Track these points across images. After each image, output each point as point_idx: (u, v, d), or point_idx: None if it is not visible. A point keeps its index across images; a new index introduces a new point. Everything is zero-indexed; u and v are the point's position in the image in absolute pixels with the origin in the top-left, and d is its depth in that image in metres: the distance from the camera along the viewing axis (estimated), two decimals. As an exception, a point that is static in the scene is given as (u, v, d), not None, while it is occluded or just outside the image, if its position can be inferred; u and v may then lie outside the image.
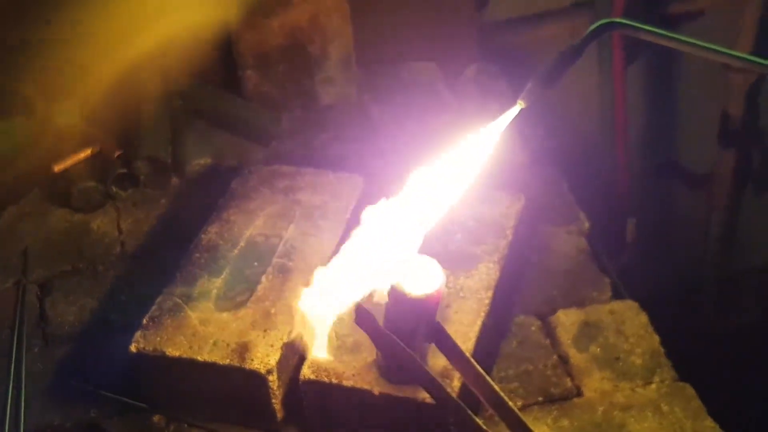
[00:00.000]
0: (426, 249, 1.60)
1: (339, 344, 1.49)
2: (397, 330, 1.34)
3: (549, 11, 2.58)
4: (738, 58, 1.37)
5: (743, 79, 2.61)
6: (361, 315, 1.34)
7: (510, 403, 1.34)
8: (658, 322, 1.69)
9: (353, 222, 1.71)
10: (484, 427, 1.33)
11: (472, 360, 1.36)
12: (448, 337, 1.37)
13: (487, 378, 1.34)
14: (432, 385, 1.34)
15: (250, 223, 1.72)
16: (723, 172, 2.79)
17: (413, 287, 1.32)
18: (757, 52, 2.56)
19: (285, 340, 1.51)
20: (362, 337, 1.48)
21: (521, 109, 1.36)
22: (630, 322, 1.66)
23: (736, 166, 2.79)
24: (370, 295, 1.36)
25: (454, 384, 1.43)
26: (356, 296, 1.35)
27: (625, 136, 2.52)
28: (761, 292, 3.19)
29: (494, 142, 1.36)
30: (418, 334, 1.37)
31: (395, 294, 1.33)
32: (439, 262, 1.59)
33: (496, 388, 1.34)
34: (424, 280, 1.33)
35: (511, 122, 1.37)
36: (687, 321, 3.07)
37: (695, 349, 1.89)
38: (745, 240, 3.08)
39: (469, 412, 1.33)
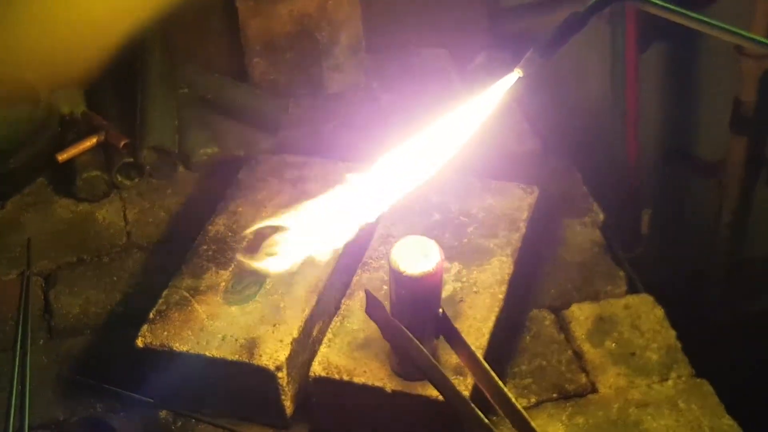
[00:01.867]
0: (438, 242, 1.57)
1: (350, 340, 1.47)
2: (404, 319, 1.32)
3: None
4: (748, 39, 1.33)
5: (756, 65, 2.58)
6: (371, 303, 1.31)
7: (515, 402, 1.31)
8: (669, 312, 1.67)
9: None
10: (490, 425, 1.30)
11: (477, 354, 1.33)
12: (454, 330, 1.34)
13: (492, 373, 1.31)
14: (438, 378, 1.31)
15: (258, 215, 1.70)
16: (735, 160, 2.77)
17: (410, 267, 1.29)
18: (772, 39, 2.53)
19: (294, 335, 1.48)
20: (374, 333, 1.46)
21: (519, 78, 1.31)
22: (645, 317, 1.64)
23: (748, 153, 2.77)
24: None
25: (468, 381, 1.40)
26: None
27: (635, 125, 2.50)
28: (773, 280, 3.17)
29: (490, 110, 1.32)
30: (422, 322, 1.34)
31: (394, 275, 1.31)
32: (452, 255, 1.57)
33: (500, 384, 1.31)
34: (423, 260, 1.30)
35: (508, 90, 1.32)
36: (696, 310, 3.05)
37: (705, 338, 1.87)
38: (756, 228, 3.06)
39: (474, 407, 1.30)
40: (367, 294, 1.31)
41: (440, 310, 1.34)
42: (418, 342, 1.30)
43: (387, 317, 1.31)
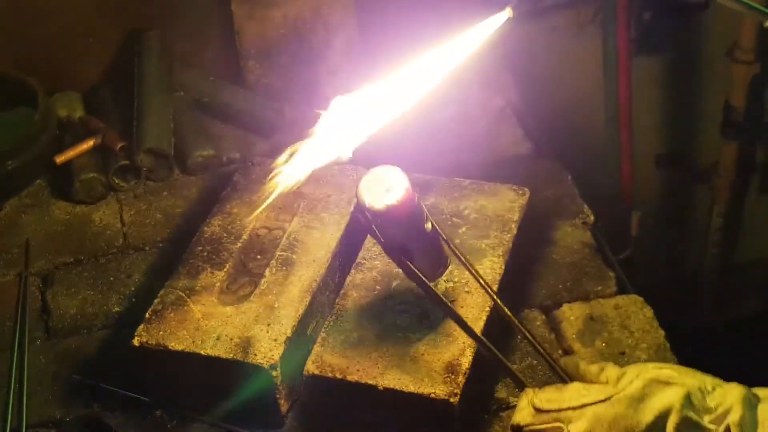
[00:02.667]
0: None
1: (343, 339, 1.49)
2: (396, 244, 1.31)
3: (554, 4, 2.57)
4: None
5: (746, 70, 2.60)
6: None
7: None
8: (659, 314, 1.68)
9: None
10: (507, 362, 1.32)
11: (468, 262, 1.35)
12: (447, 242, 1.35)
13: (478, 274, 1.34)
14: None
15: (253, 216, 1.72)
16: (726, 164, 2.79)
17: (376, 201, 1.28)
18: (761, 45, 2.56)
19: (288, 334, 1.50)
20: (367, 332, 1.48)
21: (508, 18, 1.31)
22: (635, 317, 1.66)
23: (739, 157, 2.79)
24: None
25: (459, 380, 1.42)
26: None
27: (629, 128, 2.52)
28: (763, 284, 3.19)
29: (476, 47, 1.32)
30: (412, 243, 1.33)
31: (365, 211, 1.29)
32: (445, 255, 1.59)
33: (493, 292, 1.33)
34: (387, 194, 1.28)
35: (495, 30, 1.31)
36: (687, 312, 3.07)
37: (694, 339, 1.88)
38: (747, 231, 3.08)
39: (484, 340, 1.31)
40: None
41: (428, 225, 1.33)
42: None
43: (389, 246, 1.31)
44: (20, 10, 2.09)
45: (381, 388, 1.42)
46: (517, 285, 1.69)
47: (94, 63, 2.19)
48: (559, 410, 1.19)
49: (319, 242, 1.65)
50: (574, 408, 1.18)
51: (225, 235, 1.69)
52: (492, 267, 1.59)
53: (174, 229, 1.90)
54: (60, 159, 1.99)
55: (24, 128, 1.98)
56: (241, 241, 1.67)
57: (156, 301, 1.58)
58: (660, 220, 3.06)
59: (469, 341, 1.47)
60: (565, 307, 1.69)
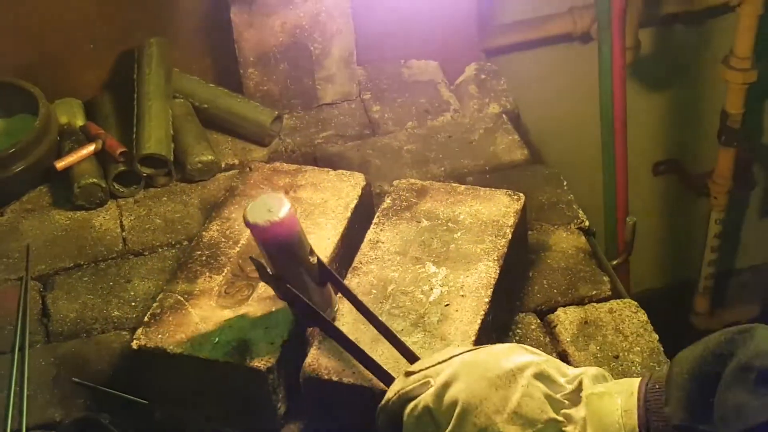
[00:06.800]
0: (426, 247, 1.61)
1: (339, 342, 1.50)
2: (280, 270, 1.43)
3: (550, 15, 2.60)
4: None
5: (742, 77, 2.62)
6: (257, 265, 1.44)
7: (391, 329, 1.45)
8: (654, 319, 1.70)
9: (354, 219, 1.73)
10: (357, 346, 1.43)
11: (355, 294, 1.49)
12: (333, 276, 1.49)
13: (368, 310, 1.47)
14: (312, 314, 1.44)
15: (251, 221, 1.73)
16: (723, 171, 2.81)
17: (260, 218, 1.39)
18: (757, 53, 2.58)
19: (285, 337, 1.52)
20: (363, 336, 1.50)
21: None
22: (629, 321, 1.67)
23: (736, 164, 2.81)
24: None
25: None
26: None
27: (623, 134, 2.54)
28: (758, 290, 3.21)
29: None
30: (297, 271, 1.44)
31: (249, 228, 1.42)
32: (439, 260, 1.61)
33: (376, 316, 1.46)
34: (269, 213, 1.39)
35: None
36: (683, 318, 3.08)
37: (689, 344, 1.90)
38: (743, 238, 3.10)
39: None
40: (252, 260, 1.45)
41: (314, 258, 1.45)
42: (295, 290, 1.41)
43: (266, 273, 1.43)
44: (21, 17, 2.11)
45: (376, 390, 1.44)
46: (512, 289, 1.70)
47: (95, 70, 2.20)
48: (429, 367, 1.28)
49: (316, 247, 1.66)
50: (441, 362, 1.28)
51: (223, 239, 1.70)
52: (487, 271, 1.60)
53: (173, 234, 1.92)
54: (60, 165, 2.00)
55: (24, 135, 1.99)
56: (239, 245, 1.69)
57: (155, 304, 1.59)
58: (657, 226, 3.07)
59: (464, 344, 1.48)
60: (560, 311, 1.70)
